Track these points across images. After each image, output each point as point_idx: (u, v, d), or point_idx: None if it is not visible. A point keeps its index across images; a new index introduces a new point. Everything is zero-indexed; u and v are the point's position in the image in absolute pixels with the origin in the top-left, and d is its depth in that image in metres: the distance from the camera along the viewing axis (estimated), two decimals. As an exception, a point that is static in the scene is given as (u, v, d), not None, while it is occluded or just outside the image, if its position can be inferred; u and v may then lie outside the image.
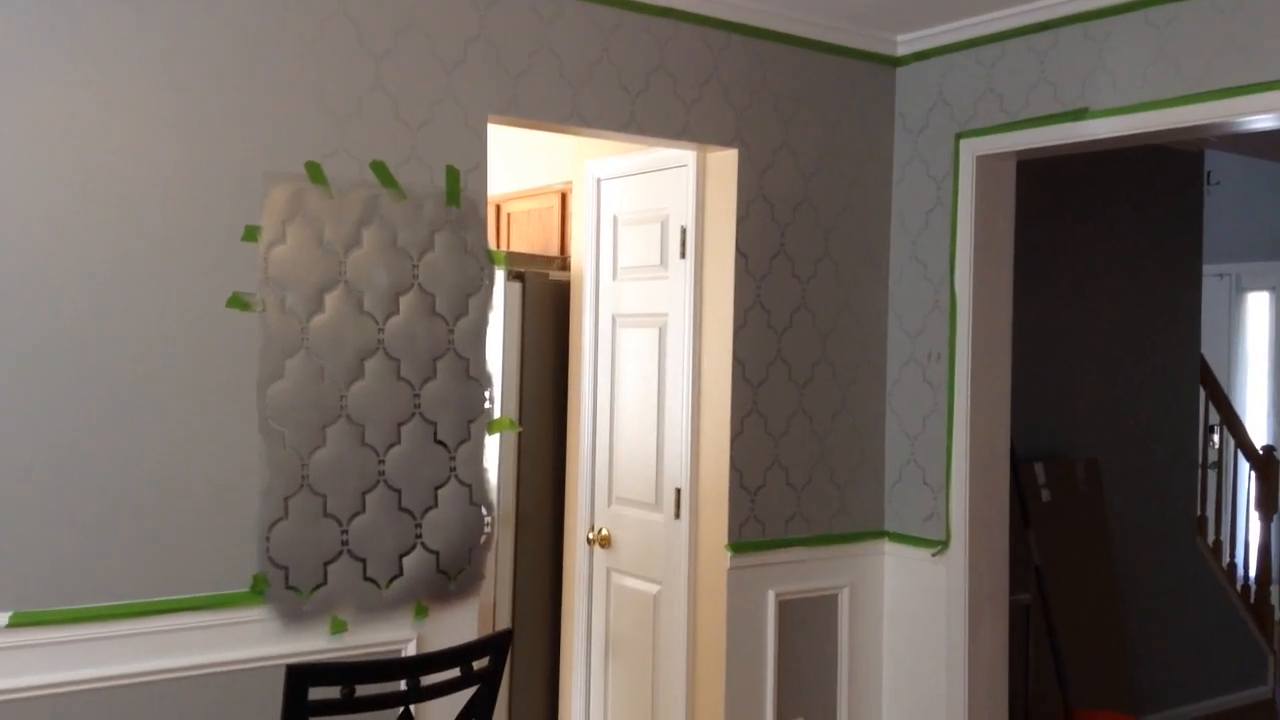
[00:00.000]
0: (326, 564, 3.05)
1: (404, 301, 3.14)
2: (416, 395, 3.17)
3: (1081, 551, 5.11)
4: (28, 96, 2.64)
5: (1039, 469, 5.04)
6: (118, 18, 2.74)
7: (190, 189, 2.84)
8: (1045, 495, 5.03)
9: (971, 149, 3.84)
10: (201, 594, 2.88)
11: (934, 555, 3.93)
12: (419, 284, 3.16)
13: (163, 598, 2.83)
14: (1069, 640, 4.85)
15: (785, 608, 3.89)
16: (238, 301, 2.91)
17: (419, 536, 3.19)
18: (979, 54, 3.83)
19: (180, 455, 2.85)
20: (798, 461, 3.93)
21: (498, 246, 5.10)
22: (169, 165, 2.81)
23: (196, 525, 2.88)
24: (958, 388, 3.88)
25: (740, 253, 3.76)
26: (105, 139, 2.73)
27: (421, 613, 3.19)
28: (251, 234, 2.92)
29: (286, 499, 2.99)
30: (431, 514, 3.21)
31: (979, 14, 3.73)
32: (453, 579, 3.25)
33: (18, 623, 2.64)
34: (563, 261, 4.60)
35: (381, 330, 3.10)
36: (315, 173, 3.00)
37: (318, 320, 3.01)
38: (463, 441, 3.25)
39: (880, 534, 4.11)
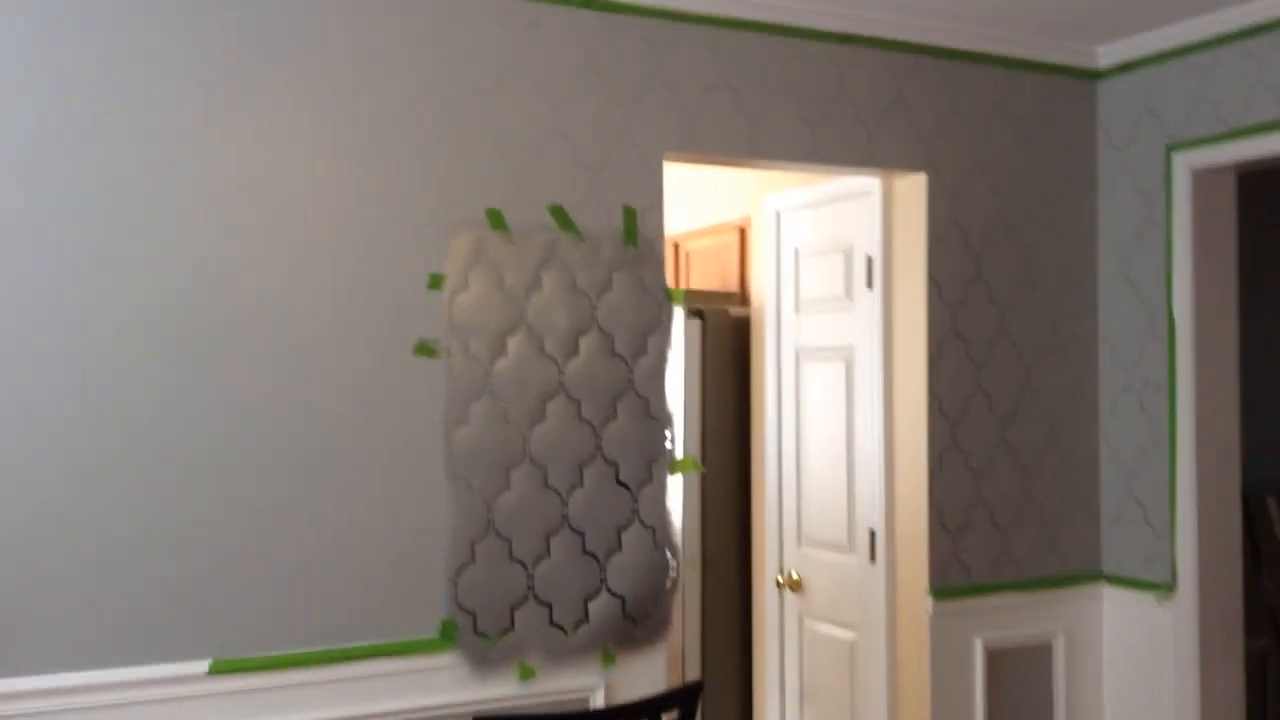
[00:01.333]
0: (513, 609, 3.03)
1: (584, 342, 3.10)
2: (598, 436, 3.12)
3: (1326, 596, 4.63)
4: (227, 149, 2.74)
5: (1271, 504, 4.60)
6: (314, 78, 2.82)
7: (379, 240, 2.89)
8: (1281, 533, 4.59)
9: (1185, 162, 3.55)
10: (392, 640, 2.90)
11: (1159, 599, 3.61)
12: (598, 325, 3.12)
13: (355, 644, 2.86)
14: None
15: (994, 657, 3.65)
16: (424, 348, 2.94)
17: (604, 581, 3.13)
18: (1189, 61, 3.55)
19: (370, 502, 2.88)
20: (1003, 500, 3.69)
21: (676, 285, 5.05)
22: (360, 217, 2.87)
23: (386, 571, 2.90)
24: (1180, 418, 3.57)
25: (932, 280, 3.58)
26: (300, 193, 2.81)
27: (609, 660, 3.13)
28: (436, 282, 2.95)
29: (473, 543, 2.98)
30: (616, 558, 3.15)
31: (1187, 19, 3.46)
32: (639, 625, 3.18)
33: (217, 670, 2.71)
34: (742, 297, 4.51)
35: (562, 372, 3.08)
36: (496, 219, 3.01)
37: (500, 364, 3.01)
38: (645, 483, 3.18)
39: (1097, 577, 3.82)
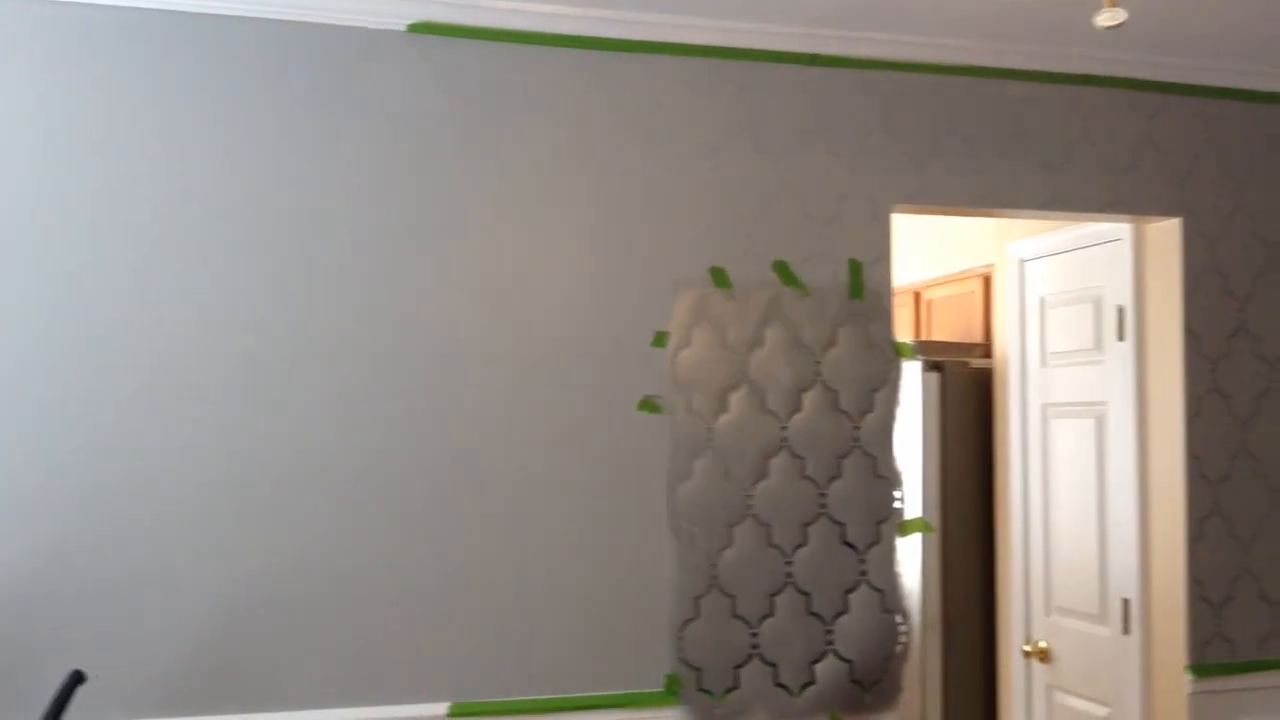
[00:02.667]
0: (737, 667, 3.01)
1: (807, 399, 3.07)
2: (822, 494, 3.07)
3: None
4: (463, 220, 2.91)
5: None
6: (542, 147, 2.96)
7: (606, 299, 2.98)
8: None
9: None
10: (619, 691, 2.94)
11: None
12: (822, 380, 3.09)
13: (584, 694, 2.92)
14: None
15: (1265, 745, 3.32)
16: (648, 405, 2.99)
17: (830, 643, 3.07)
18: None
19: (599, 556, 2.95)
20: (1273, 572, 3.36)
21: (917, 335, 4.92)
22: (588, 277, 2.97)
23: (613, 623, 2.95)
24: None
25: (1190, 332, 3.33)
26: (530, 258, 2.94)
27: (835, 724, 3.05)
28: (660, 339, 3.00)
29: (697, 599, 2.99)
30: (843, 620, 3.08)
31: None
32: (868, 691, 3.09)
33: (456, 713, 2.83)
34: (985, 349, 4.33)
35: (785, 428, 3.06)
36: (719, 277, 3.04)
37: (723, 420, 3.02)
38: (873, 544, 3.10)
39: (1390, 662, 3.41)
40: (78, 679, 2.37)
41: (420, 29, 2.87)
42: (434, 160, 2.88)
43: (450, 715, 2.83)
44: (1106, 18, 1.88)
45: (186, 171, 2.73)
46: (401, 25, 2.86)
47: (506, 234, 2.93)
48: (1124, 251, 3.54)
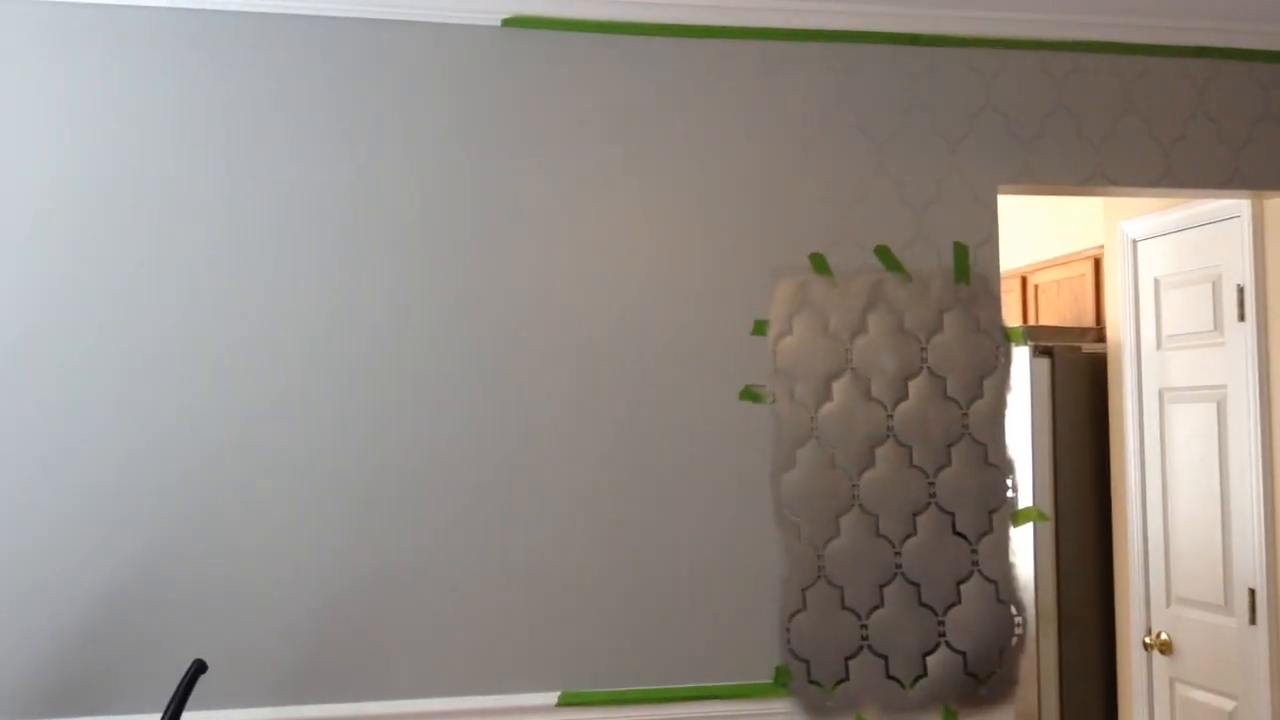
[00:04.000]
0: (847, 659, 2.97)
1: (913, 386, 3.02)
2: (931, 483, 3.02)
3: None
4: (572, 214, 2.93)
5: None
6: (646, 143, 2.96)
7: (706, 288, 2.97)
8: None
9: None
10: (726, 683, 2.93)
11: None
12: (928, 367, 3.03)
13: (691, 685, 2.92)
14: None
15: None
16: (750, 394, 2.97)
17: (942, 635, 3.01)
18: None
19: (704, 546, 2.94)
20: None
21: (1025, 321, 4.80)
22: (687, 267, 2.97)
23: (720, 614, 2.94)
24: None
25: (1316, 311, 3.19)
26: (632, 248, 2.95)
27: (951, 717, 2.99)
28: (761, 328, 2.98)
29: (804, 590, 2.96)
30: (954, 611, 3.02)
31: None
32: (982, 683, 3.02)
33: (566, 702, 2.85)
34: (1097, 333, 4.21)
35: (891, 416, 3.01)
36: (819, 264, 3.01)
37: (826, 409, 2.99)
38: (985, 533, 3.04)
39: None
40: (200, 668, 2.44)
41: (515, 23, 2.89)
42: (535, 152, 2.90)
43: (560, 704, 2.85)
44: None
45: (251, 169, 2.80)
46: (496, 20, 2.89)
47: (605, 224, 2.94)
48: (1242, 228, 3.40)
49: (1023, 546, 3.99)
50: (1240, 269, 3.42)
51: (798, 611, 2.96)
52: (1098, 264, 4.31)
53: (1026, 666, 3.95)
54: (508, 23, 2.90)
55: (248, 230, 2.78)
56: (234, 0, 2.77)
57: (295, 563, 2.76)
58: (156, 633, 2.69)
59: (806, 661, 2.95)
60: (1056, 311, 4.62)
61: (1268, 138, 3.20)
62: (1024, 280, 4.83)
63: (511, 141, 2.90)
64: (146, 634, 2.69)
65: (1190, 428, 3.65)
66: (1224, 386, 3.50)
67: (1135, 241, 3.91)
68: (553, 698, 2.85)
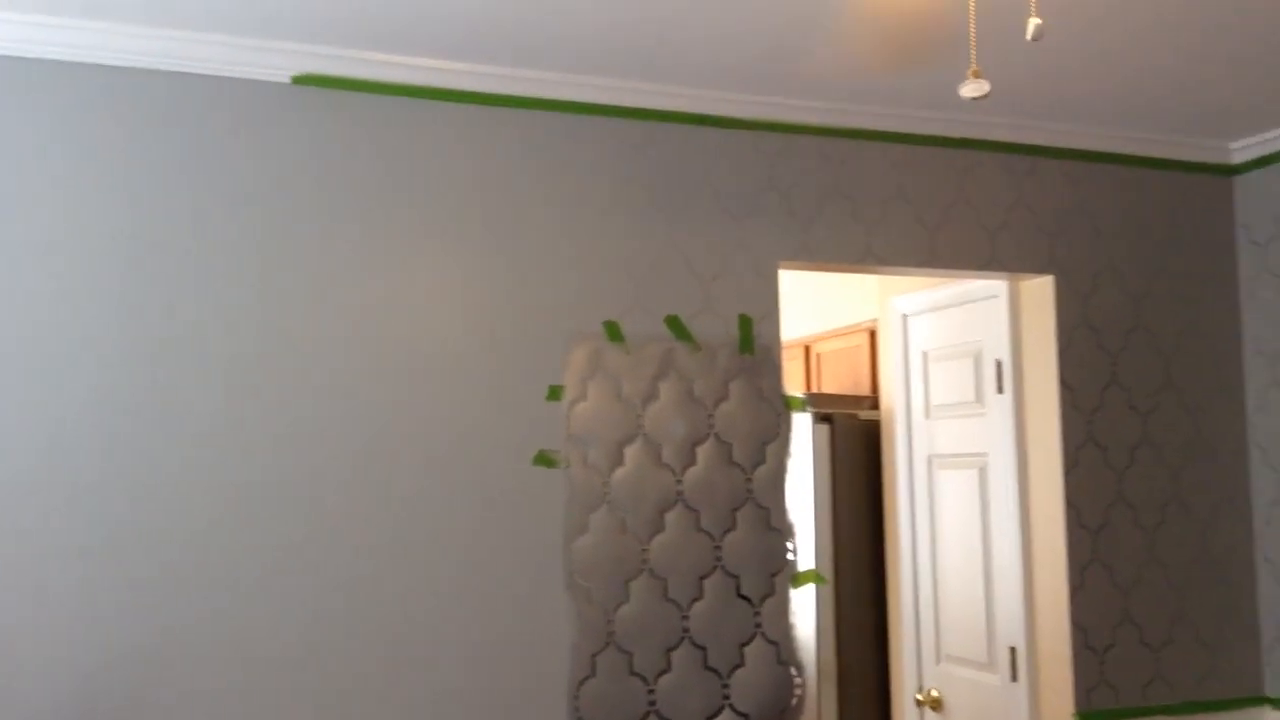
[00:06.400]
0: (633, 724, 2.99)
1: (701, 452, 3.10)
2: (717, 547, 3.10)
3: None
4: (360, 274, 2.88)
5: None
6: (439, 204, 2.96)
7: (500, 353, 2.98)
8: None
9: (1335, 255, 3.38)
10: (512, 752, 2.89)
11: (1332, 729, 3.33)
12: (715, 433, 3.12)
13: (476, 755, 2.86)
14: None
15: (1147, 786, 3.41)
16: (544, 459, 2.98)
17: (727, 698, 3.07)
18: (1333, 150, 3.40)
19: (491, 612, 2.91)
20: (1153, 617, 3.48)
21: (808, 388, 5.01)
22: (486, 334, 2.97)
23: (508, 683, 2.91)
24: (1344, 529, 3.32)
25: (1065, 385, 3.47)
26: (425, 310, 2.93)
27: (732, 779, 3.04)
28: (555, 393, 3.01)
29: (594, 656, 2.97)
30: (739, 673, 3.09)
31: (1329, 106, 3.33)
32: (763, 743, 3.09)
33: (343, 777, 2.75)
34: (873, 401, 4.44)
35: (680, 481, 3.08)
36: (613, 331, 3.07)
37: (618, 474, 3.03)
38: (767, 596, 3.13)
39: (1260, 700, 3.55)
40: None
41: (305, 81, 2.86)
42: (319, 215, 2.86)
43: (339, 783, 2.74)
44: (971, 89, 1.98)
45: (21, 222, 2.66)
46: (286, 77, 2.84)
47: (397, 288, 2.91)
48: (1001, 307, 3.67)
49: (804, 608, 4.12)
50: (999, 345, 3.68)
51: (587, 678, 2.96)
52: (873, 336, 4.56)
53: (807, 726, 4.07)
54: (298, 80, 2.86)
55: (15, 288, 2.61)
56: (7, 44, 2.63)
57: (48, 642, 2.57)
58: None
59: (594, 728, 2.95)
60: (837, 380, 4.85)
61: (1020, 224, 3.48)
62: (807, 349, 5.05)
63: (302, 202, 2.85)
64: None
65: (956, 493, 3.88)
66: (985, 454, 3.74)
67: (906, 316, 4.16)
68: (331, 775, 2.74)
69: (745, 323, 3.19)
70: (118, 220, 2.70)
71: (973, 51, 2.19)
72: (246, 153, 2.82)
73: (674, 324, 3.12)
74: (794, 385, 5.12)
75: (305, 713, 2.74)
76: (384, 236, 2.91)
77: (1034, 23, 1.81)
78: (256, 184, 2.82)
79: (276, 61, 2.82)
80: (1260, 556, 3.59)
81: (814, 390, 4.96)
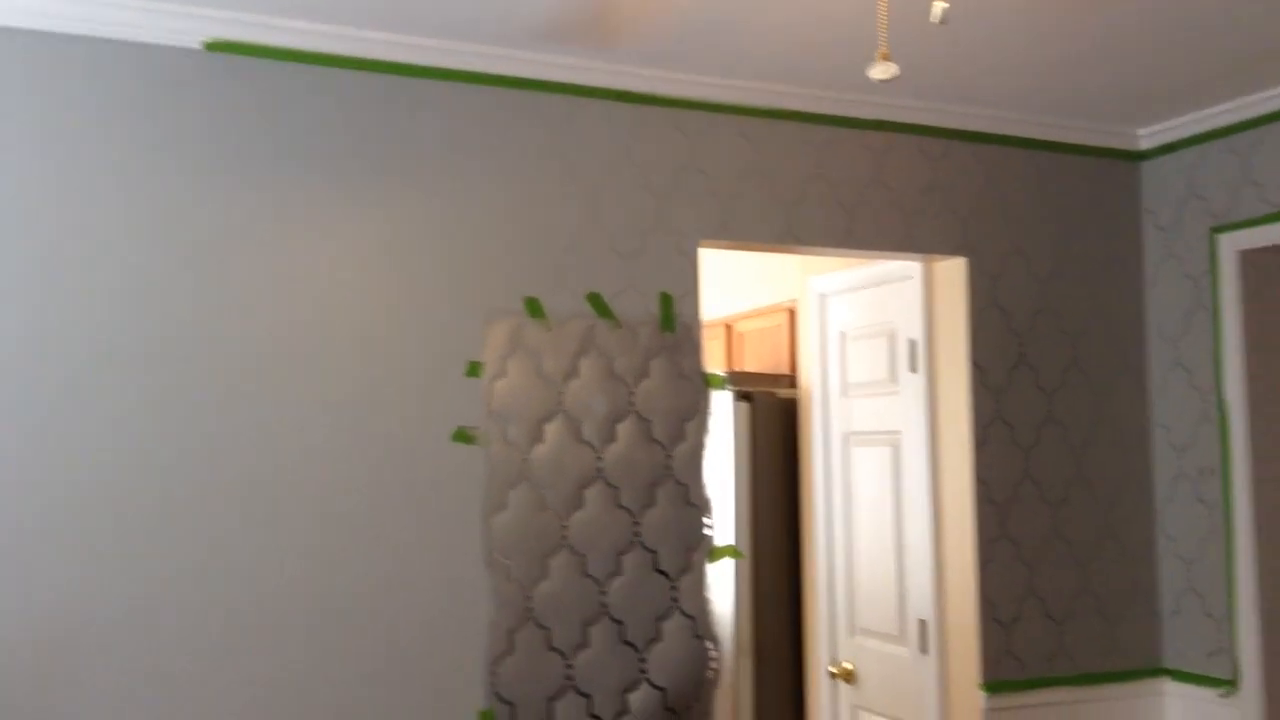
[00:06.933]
0: (552, 700, 3.00)
1: (621, 429, 3.12)
2: (636, 523, 3.12)
3: None
4: (277, 247, 2.84)
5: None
6: (356, 175, 2.92)
7: (418, 329, 2.96)
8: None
9: (1232, 243, 3.50)
10: (429, 729, 2.89)
11: (1222, 696, 3.47)
12: (636, 411, 3.14)
13: (392, 732, 2.86)
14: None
15: (1050, 754, 3.53)
16: (463, 435, 2.97)
17: (644, 672, 3.10)
18: (1232, 142, 3.52)
19: (409, 589, 2.90)
20: (1057, 591, 3.59)
21: (730, 367, 5.06)
22: (404, 309, 2.94)
23: (425, 660, 2.90)
24: (1236, 506, 3.46)
25: (975, 365, 3.55)
26: (342, 286, 2.89)
27: (649, 752, 3.08)
28: (475, 369, 3.00)
29: (512, 632, 2.98)
30: (656, 647, 3.12)
31: (1229, 100, 3.45)
32: (680, 717, 3.13)
33: (256, 755, 2.73)
34: (792, 380, 4.50)
35: (600, 458, 3.09)
36: (534, 308, 3.06)
37: (538, 450, 3.03)
38: (685, 571, 3.16)
39: (1158, 671, 3.68)
40: None
41: (217, 47, 2.80)
42: (225, 183, 2.80)
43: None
44: (880, 71, 2.01)
45: (-34, 192, 2.58)
46: (197, 43, 2.78)
47: (313, 261, 2.87)
48: (915, 288, 3.74)
49: (721, 583, 4.18)
50: (912, 325, 3.75)
51: (505, 654, 2.96)
52: (793, 316, 4.61)
53: (723, 699, 4.12)
54: (210, 46, 2.79)
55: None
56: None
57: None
58: None
59: (511, 704, 2.96)
60: (758, 358, 4.90)
61: (934, 207, 3.55)
62: (729, 328, 5.09)
63: (212, 170, 2.79)
64: None
65: (870, 470, 3.96)
66: (899, 432, 3.82)
67: (824, 296, 4.22)
68: (244, 752, 2.72)
69: (666, 301, 3.21)
70: (22, 184, 2.63)
71: (882, 34, 2.22)
72: (157, 118, 2.75)
73: (595, 301, 3.13)
74: (715, 364, 5.16)
75: (222, 693, 2.71)
76: (301, 206, 2.86)
77: (940, 6, 1.84)
78: (166, 150, 2.75)
79: (189, 27, 2.75)
80: (1161, 533, 3.72)
81: (735, 369, 5.01)
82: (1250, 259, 3.49)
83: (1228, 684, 3.46)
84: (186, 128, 2.77)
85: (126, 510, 2.66)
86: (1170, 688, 3.66)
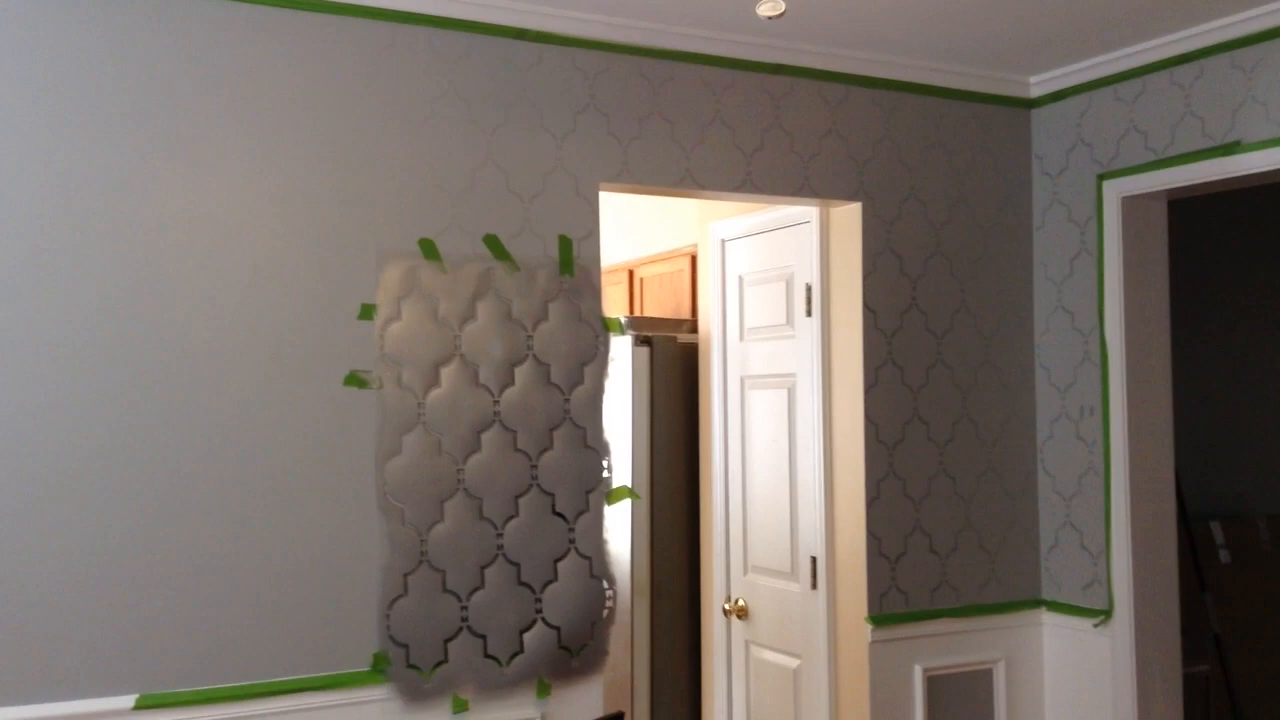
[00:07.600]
0: (447, 641, 3.01)
1: (519, 373, 3.11)
2: (534, 467, 3.12)
3: (1268, 615, 4.67)
4: (176, 189, 2.74)
5: (1216, 528, 4.65)
6: (245, 109, 2.82)
7: (313, 271, 2.89)
8: (1224, 556, 4.63)
9: (1116, 190, 3.60)
10: (323, 674, 2.88)
11: (1096, 626, 3.64)
12: (534, 354, 3.13)
13: (285, 678, 2.84)
14: (1256, 713, 4.42)
15: (934, 684, 3.66)
16: (355, 379, 2.93)
17: (539, 611, 3.13)
18: (1118, 91, 3.60)
19: (301, 534, 2.87)
20: (941, 527, 3.71)
21: (631, 311, 5.06)
22: (296, 250, 2.87)
23: (318, 604, 2.88)
24: (1114, 444, 3.60)
25: (868, 308, 3.61)
26: (229, 223, 2.81)
27: (544, 691, 3.11)
28: (367, 312, 2.95)
29: (406, 575, 2.97)
30: (552, 588, 3.14)
31: (1116, 49, 3.52)
32: (575, 655, 3.17)
33: (145, 705, 2.69)
34: (692, 324, 4.52)
35: (497, 402, 3.08)
36: (429, 249, 3.02)
37: (434, 395, 3.01)
38: (582, 512, 3.18)
39: (1037, 603, 3.84)
40: None
41: (100, -22, 2.67)
42: (104, 118, 2.69)
43: (137, 708, 2.68)
44: (767, 8, 2.01)
45: None
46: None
47: (203, 201, 2.78)
48: (812, 233, 3.78)
49: (618, 524, 4.22)
50: (809, 269, 3.80)
51: (399, 597, 2.96)
52: (694, 261, 4.63)
53: (620, 637, 4.19)
54: (88, -26, 2.67)
55: None
56: None
57: None
58: None
59: (406, 646, 2.96)
60: (659, 304, 4.91)
61: (832, 152, 3.58)
62: (631, 273, 5.09)
63: (106, 102, 2.67)
64: None
65: (765, 412, 4.01)
66: (794, 375, 3.88)
67: (724, 241, 4.24)
68: (129, 701, 2.67)
69: (565, 244, 3.18)
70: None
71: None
72: (51, 48, 2.62)
73: (493, 243, 3.09)
74: (618, 309, 5.16)
75: (111, 635, 2.66)
76: (191, 141, 2.77)
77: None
78: (60, 81, 2.63)
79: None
80: (1041, 470, 3.86)
81: (637, 314, 5.02)
82: (1133, 205, 3.60)
83: (1102, 614, 3.62)
84: (83, 59, 2.64)
85: (15, 454, 2.57)
86: (1048, 618, 3.82)
